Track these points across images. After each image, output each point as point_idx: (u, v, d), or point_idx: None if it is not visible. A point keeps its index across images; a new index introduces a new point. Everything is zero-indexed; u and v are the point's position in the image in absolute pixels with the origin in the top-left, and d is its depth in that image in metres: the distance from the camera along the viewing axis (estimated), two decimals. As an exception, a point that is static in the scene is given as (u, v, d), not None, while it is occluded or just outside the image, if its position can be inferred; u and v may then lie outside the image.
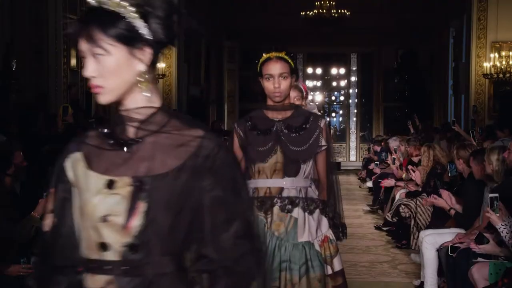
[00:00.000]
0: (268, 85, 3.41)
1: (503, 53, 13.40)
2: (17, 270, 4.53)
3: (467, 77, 14.06)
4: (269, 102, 3.49)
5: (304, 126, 3.46)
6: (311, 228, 3.39)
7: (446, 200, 6.09)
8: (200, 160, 1.65)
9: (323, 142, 3.47)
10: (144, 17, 1.66)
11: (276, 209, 3.39)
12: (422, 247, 6.05)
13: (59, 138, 7.77)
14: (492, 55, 13.46)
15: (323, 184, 3.53)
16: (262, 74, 3.42)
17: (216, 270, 1.65)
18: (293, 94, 4.48)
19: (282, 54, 3.42)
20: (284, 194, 3.41)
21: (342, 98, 22.44)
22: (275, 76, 3.39)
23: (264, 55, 3.44)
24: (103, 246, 1.65)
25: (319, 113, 5.28)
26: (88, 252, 1.69)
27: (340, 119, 22.74)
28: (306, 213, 3.39)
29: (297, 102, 4.49)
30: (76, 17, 12.60)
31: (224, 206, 1.65)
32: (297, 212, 3.38)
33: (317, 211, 3.44)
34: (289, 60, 3.44)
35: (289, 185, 3.41)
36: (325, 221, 3.45)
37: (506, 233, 4.62)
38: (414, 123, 13.71)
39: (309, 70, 21.45)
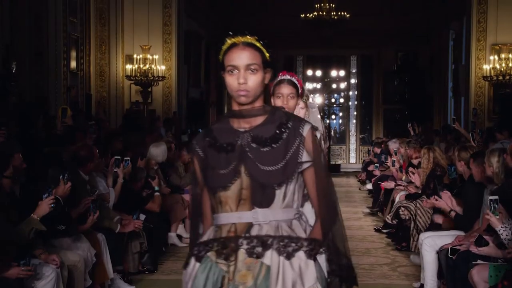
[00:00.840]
0: (231, 81, 2.54)
1: (503, 56, 13.41)
2: (17, 272, 4.52)
3: (467, 79, 14.08)
4: (234, 106, 2.60)
5: (278, 136, 2.52)
6: (287, 281, 2.41)
7: (447, 201, 6.09)
8: None
9: (306, 157, 2.52)
10: None
11: (241, 253, 2.45)
12: (422, 249, 6.05)
13: (58, 140, 7.78)
14: (491, 58, 13.47)
15: (316, 213, 2.59)
16: (225, 66, 2.59)
17: None
18: (286, 90, 4.05)
19: (252, 40, 2.57)
20: (253, 232, 2.48)
21: (342, 100, 22.43)
22: (240, 68, 2.53)
23: (228, 41, 2.60)
24: None
25: (313, 111, 4.63)
26: None
27: (340, 121, 22.73)
28: (282, 258, 2.43)
29: (292, 101, 4.05)
30: (76, 20, 12.64)
31: None
32: (270, 256, 2.43)
33: (300, 254, 2.46)
34: (262, 48, 2.58)
35: (261, 219, 2.49)
36: (311, 270, 2.46)
37: (506, 235, 4.61)
38: (414, 125, 13.73)
39: (309, 72, 21.46)
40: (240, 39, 2.57)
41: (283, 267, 2.42)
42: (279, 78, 4.12)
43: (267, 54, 2.58)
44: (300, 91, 4.12)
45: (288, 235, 2.48)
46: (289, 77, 4.12)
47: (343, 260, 2.59)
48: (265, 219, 2.49)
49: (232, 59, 2.55)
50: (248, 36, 2.58)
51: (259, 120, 2.57)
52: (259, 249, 2.44)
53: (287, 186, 2.50)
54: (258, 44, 2.57)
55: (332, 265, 2.55)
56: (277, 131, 2.53)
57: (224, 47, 2.60)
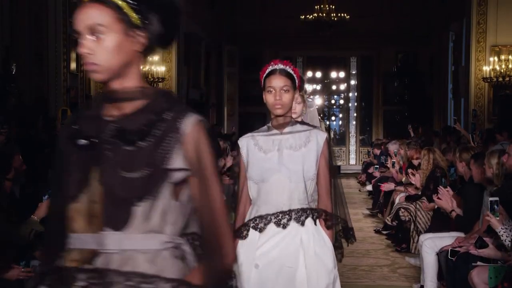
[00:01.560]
0: (80, 51, 1.87)
1: (503, 57, 13.41)
2: (17, 274, 4.52)
3: (467, 80, 14.08)
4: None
5: (148, 131, 1.78)
6: None
7: (447, 200, 6.06)
8: None
9: (179, 163, 1.78)
10: None
11: None
12: (422, 250, 6.05)
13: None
14: (491, 59, 13.47)
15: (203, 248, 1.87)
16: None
17: None
18: (279, 83, 3.23)
19: None
20: (98, 263, 1.78)
21: (341, 101, 22.44)
22: (82, 32, 1.83)
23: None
24: None
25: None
26: None
27: (340, 122, 22.74)
28: None
29: (286, 95, 3.23)
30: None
31: None
32: None
33: None
34: (117, 1, 1.78)
35: (110, 247, 1.76)
36: None
37: (506, 236, 4.61)
38: (414, 126, 13.75)
39: (309, 74, 21.46)
40: None
41: None
42: (270, 68, 3.31)
43: (128, 11, 1.77)
44: (297, 82, 3.34)
45: (141, 273, 1.72)
46: (282, 66, 3.27)
47: None
48: (116, 247, 1.75)
49: (75, 23, 1.80)
50: None
51: (133, 106, 1.82)
52: None
53: (154, 203, 1.76)
54: (121, 3, 1.77)
55: None
56: (148, 124, 1.78)
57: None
